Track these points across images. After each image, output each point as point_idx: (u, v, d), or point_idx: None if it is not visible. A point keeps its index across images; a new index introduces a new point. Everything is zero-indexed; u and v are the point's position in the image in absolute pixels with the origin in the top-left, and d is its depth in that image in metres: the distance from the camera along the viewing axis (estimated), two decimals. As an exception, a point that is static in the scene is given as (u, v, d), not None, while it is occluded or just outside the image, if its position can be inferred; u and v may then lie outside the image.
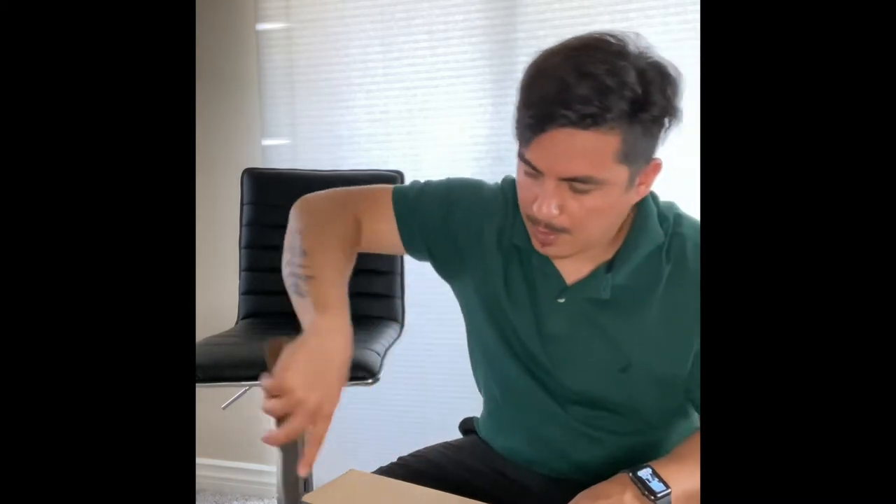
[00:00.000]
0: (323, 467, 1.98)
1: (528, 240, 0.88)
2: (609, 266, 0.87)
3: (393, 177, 1.77)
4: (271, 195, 1.79)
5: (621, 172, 0.77)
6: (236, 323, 1.73)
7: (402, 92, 1.94)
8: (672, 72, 0.77)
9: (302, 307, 0.81)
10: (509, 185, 0.94)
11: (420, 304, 1.77)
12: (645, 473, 0.77)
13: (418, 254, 0.97)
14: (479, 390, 1.05)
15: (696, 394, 0.88)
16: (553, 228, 0.80)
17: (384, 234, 0.95)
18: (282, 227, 1.76)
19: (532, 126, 0.75)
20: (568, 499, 0.78)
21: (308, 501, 0.83)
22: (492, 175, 1.88)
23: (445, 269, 0.98)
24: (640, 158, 0.78)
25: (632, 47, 0.75)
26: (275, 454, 2.18)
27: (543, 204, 0.78)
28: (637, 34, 0.77)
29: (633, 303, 0.87)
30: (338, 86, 2.00)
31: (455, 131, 1.91)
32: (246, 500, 2.22)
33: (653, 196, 0.89)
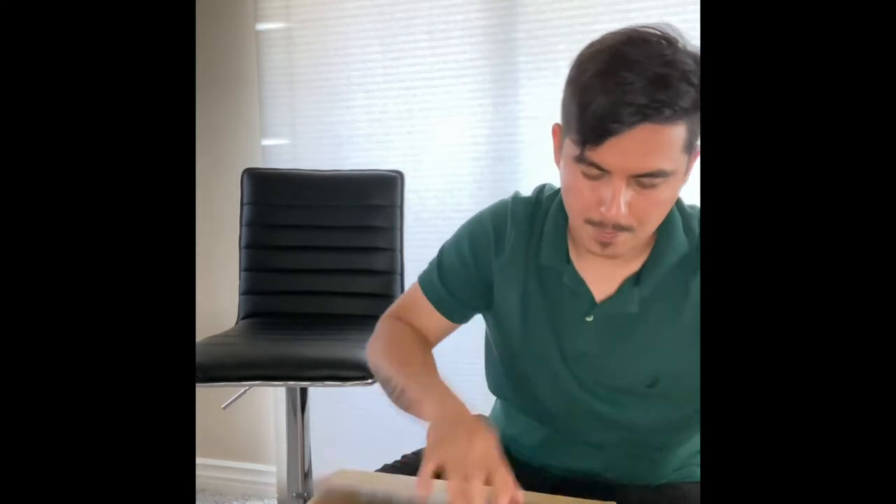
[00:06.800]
0: (323, 468, 1.97)
1: (558, 258, 0.89)
2: (636, 279, 0.87)
3: (393, 176, 1.77)
4: (271, 195, 1.79)
5: (683, 162, 0.78)
6: (236, 323, 1.73)
7: (402, 92, 1.94)
8: None
9: (418, 410, 0.83)
10: (522, 205, 0.95)
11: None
12: None
13: (467, 318, 1.00)
14: (490, 390, 1.05)
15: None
16: (620, 228, 0.78)
17: (436, 324, 0.99)
18: (282, 227, 1.79)
19: (610, 128, 0.72)
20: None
21: None
22: (492, 175, 1.90)
23: (485, 307, 0.99)
24: (695, 145, 0.79)
25: (674, 35, 0.76)
26: (275, 454, 2.18)
27: (614, 204, 0.76)
28: (668, 24, 0.77)
29: (661, 316, 0.86)
30: (338, 86, 2.00)
31: (455, 131, 1.91)
32: (246, 500, 2.22)
33: (677, 202, 0.89)
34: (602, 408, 0.90)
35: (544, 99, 1.83)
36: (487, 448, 0.73)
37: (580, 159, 0.76)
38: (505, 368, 0.98)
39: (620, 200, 0.76)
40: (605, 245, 0.81)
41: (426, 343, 0.98)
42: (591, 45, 0.78)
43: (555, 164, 0.86)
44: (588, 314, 0.88)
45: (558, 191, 0.94)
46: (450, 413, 0.79)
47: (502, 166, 1.87)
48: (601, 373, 0.89)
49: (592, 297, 0.88)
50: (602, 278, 0.88)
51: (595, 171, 0.76)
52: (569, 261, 0.90)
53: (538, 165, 1.83)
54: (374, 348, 0.98)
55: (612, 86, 0.72)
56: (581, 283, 0.89)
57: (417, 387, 0.85)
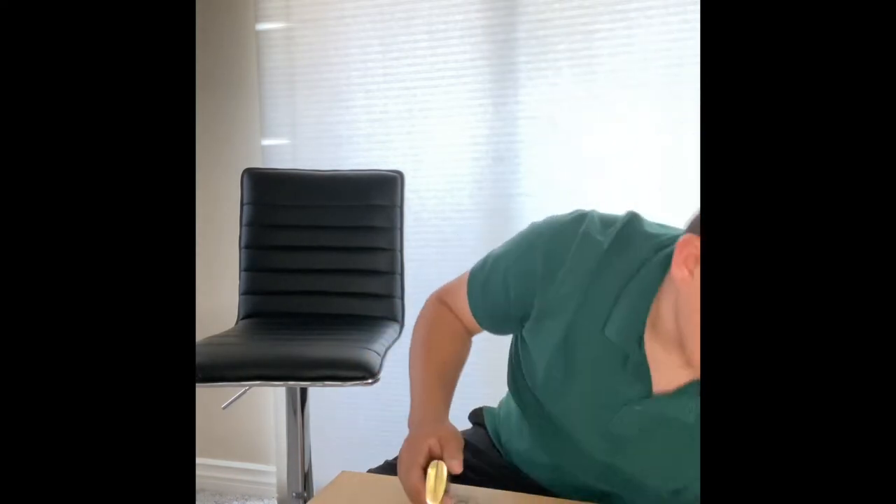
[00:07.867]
0: (323, 468, 1.98)
1: (630, 338, 0.79)
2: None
3: (393, 176, 1.77)
4: (271, 195, 1.79)
5: None
6: (236, 323, 1.73)
7: (402, 92, 1.94)
8: None
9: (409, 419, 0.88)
10: (591, 248, 0.82)
11: (420, 304, 1.77)
12: None
13: (499, 331, 0.99)
14: (511, 397, 1.01)
15: None
16: None
17: (470, 321, 0.99)
18: (282, 227, 1.79)
19: None
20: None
21: None
22: (492, 175, 1.91)
23: (518, 330, 0.94)
24: None
25: None
26: (275, 454, 2.18)
27: None
28: None
29: None
30: (338, 86, 2.00)
31: (455, 131, 1.91)
32: (246, 500, 2.22)
33: None
34: (615, 483, 0.87)
35: (544, 99, 1.83)
36: (411, 486, 0.77)
37: None
38: (530, 397, 0.93)
39: None
40: None
41: (459, 336, 1.00)
42: None
43: (675, 273, 0.73)
44: (639, 403, 0.80)
45: (656, 244, 0.81)
46: (412, 437, 0.83)
47: (502, 166, 1.87)
48: (628, 461, 0.84)
49: (650, 387, 0.80)
50: (666, 370, 0.79)
51: None
52: (641, 344, 0.79)
53: (538, 165, 1.83)
54: (415, 334, 1.02)
55: None
56: (646, 369, 0.79)
57: (415, 394, 0.90)
